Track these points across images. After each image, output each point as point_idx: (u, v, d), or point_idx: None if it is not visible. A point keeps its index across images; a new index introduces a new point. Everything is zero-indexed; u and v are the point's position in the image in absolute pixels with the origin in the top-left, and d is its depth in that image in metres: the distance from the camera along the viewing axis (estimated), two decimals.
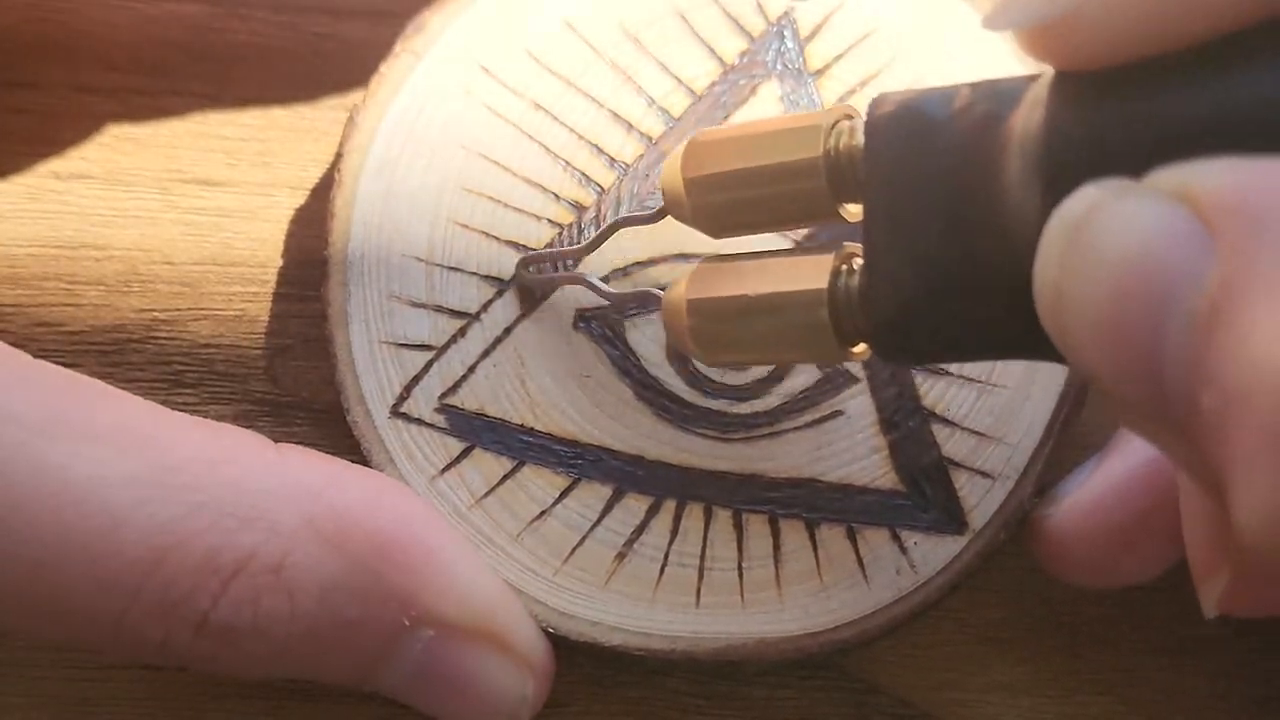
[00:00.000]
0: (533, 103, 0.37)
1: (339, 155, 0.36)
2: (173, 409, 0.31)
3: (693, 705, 0.36)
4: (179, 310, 0.37)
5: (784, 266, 0.29)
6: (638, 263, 0.36)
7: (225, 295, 0.37)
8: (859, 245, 0.28)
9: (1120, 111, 0.22)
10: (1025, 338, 0.24)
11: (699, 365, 0.35)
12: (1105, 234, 0.21)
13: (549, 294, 0.35)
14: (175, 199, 0.38)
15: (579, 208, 0.36)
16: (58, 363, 0.31)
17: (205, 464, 0.29)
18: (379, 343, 0.35)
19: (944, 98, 0.26)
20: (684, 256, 0.36)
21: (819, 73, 0.37)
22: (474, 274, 0.35)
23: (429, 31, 0.36)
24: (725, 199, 0.30)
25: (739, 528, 0.34)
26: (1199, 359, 0.19)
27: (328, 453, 0.32)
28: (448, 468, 0.34)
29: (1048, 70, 0.24)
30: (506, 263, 0.36)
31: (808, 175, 0.28)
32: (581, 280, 0.34)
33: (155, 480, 0.29)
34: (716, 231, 0.31)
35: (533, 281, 0.35)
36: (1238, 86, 0.21)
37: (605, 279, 0.35)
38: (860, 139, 0.28)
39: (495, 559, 0.34)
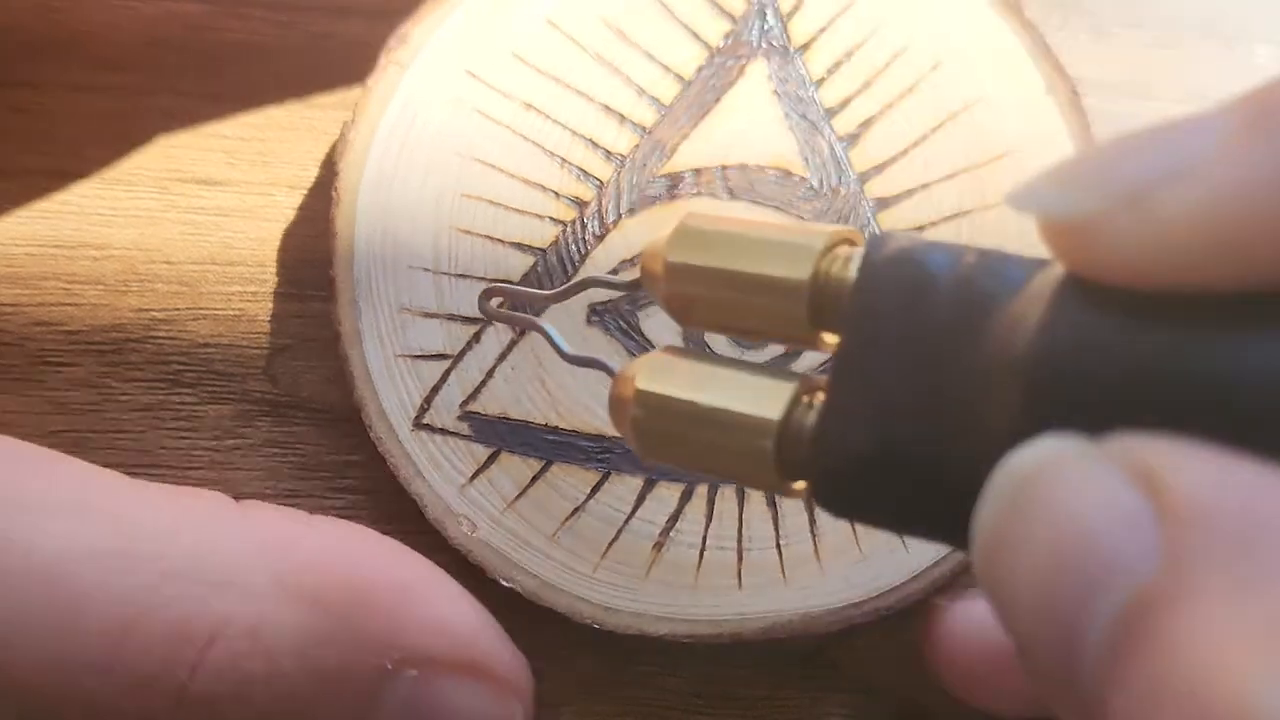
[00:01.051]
0: (523, 103, 0.37)
1: (335, 173, 0.36)
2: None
3: (694, 705, 0.36)
4: (178, 309, 0.37)
5: (744, 382, 0.27)
6: None
7: (224, 295, 0.37)
8: (822, 378, 0.27)
9: (1120, 346, 0.21)
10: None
11: (712, 345, 0.35)
12: (1054, 499, 0.20)
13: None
14: (174, 198, 0.38)
15: (580, 203, 0.36)
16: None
17: (170, 531, 0.29)
18: (395, 357, 0.35)
19: (947, 259, 0.25)
20: None
21: (804, 47, 0.38)
22: (482, 279, 0.36)
23: (412, 42, 0.37)
24: (701, 294, 0.28)
25: (774, 506, 0.35)
26: (1118, 657, 0.18)
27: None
28: (476, 474, 0.34)
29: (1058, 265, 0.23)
30: (513, 265, 0.36)
31: (790, 295, 0.26)
32: (539, 329, 0.32)
33: (120, 550, 0.28)
34: (684, 320, 0.29)
35: (494, 315, 0.34)
36: (1260, 358, 0.20)
37: (614, 270, 0.36)
38: (853, 272, 0.26)
39: (534, 560, 0.34)
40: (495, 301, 0.33)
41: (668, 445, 0.28)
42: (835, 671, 0.36)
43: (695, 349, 0.32)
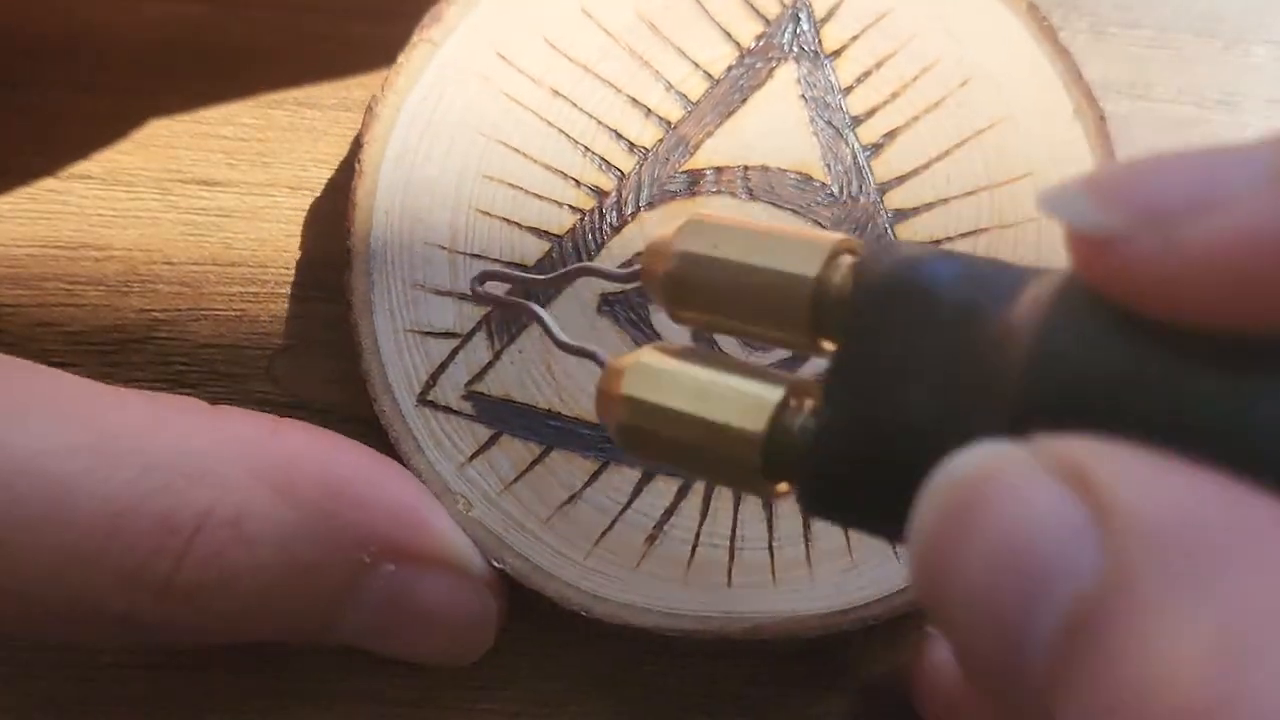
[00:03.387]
0: (551, 89, 0.38)
1: (359, 145, 0.36)
2: None
3: (693, 704, 0.36)
4: (179, 310, 0.37)
5: (732, 387, 0.27)
6: None
7: (225, 295, 0.38)
8: (814, 383, 0.27)
9: (1113, 367, 0.21)
10: None
11: (723, 347, 0.36)
12: (991, 508, 0.20)
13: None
14: (175, 199, 0.38)
15: (599, 193, 0.37)
16: (57, 363, 0.31)
17: (147, 428, 0.29)
18: (404, 331, 0.36)
19: (949, 271, 0.25)
20: None
21: (835, 54, 0.38)
22: (497, 260, 0.36)
23: (446, 20, 0.37)
24: (706, 283, 0.28)
25: (769, 507, 0.35)
26: (1064, 666, 0.18)
27: None
28: (476, 454, 0.35)
29: (1058, 269, 0.23)
30: (530, 249, 0.37)
31: (792, 296, 0.27)
32: (533, 313, 0.33)
33: (100, 448, 0.29)
34: (678, 312, 0.29)
35: (485, 298, 0.35)
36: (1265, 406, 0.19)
37: (628, 264, 0.36)
38: (853, 279, 0.26)
39: (526, 543, 0.34)
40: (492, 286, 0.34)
41: (651, 447, 0.28)
42: (836, 671, 0.36)
43: (690, 347, 0.32)
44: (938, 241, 0.37)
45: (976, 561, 0.20)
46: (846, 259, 0.27)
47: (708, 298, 0.28)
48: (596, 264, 0.34)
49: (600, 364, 0.30)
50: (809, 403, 0.27)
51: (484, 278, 0.34)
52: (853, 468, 0.25)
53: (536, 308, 0.33)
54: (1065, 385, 0.21)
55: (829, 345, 0.27)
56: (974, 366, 0.23)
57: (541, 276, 0.35)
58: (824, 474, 0.26)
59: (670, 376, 0.28)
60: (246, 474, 0.30)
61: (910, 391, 0.24)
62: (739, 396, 0.27)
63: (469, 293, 0.35)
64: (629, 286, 0.36)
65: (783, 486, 0.28)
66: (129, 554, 0.28)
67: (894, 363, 0.25)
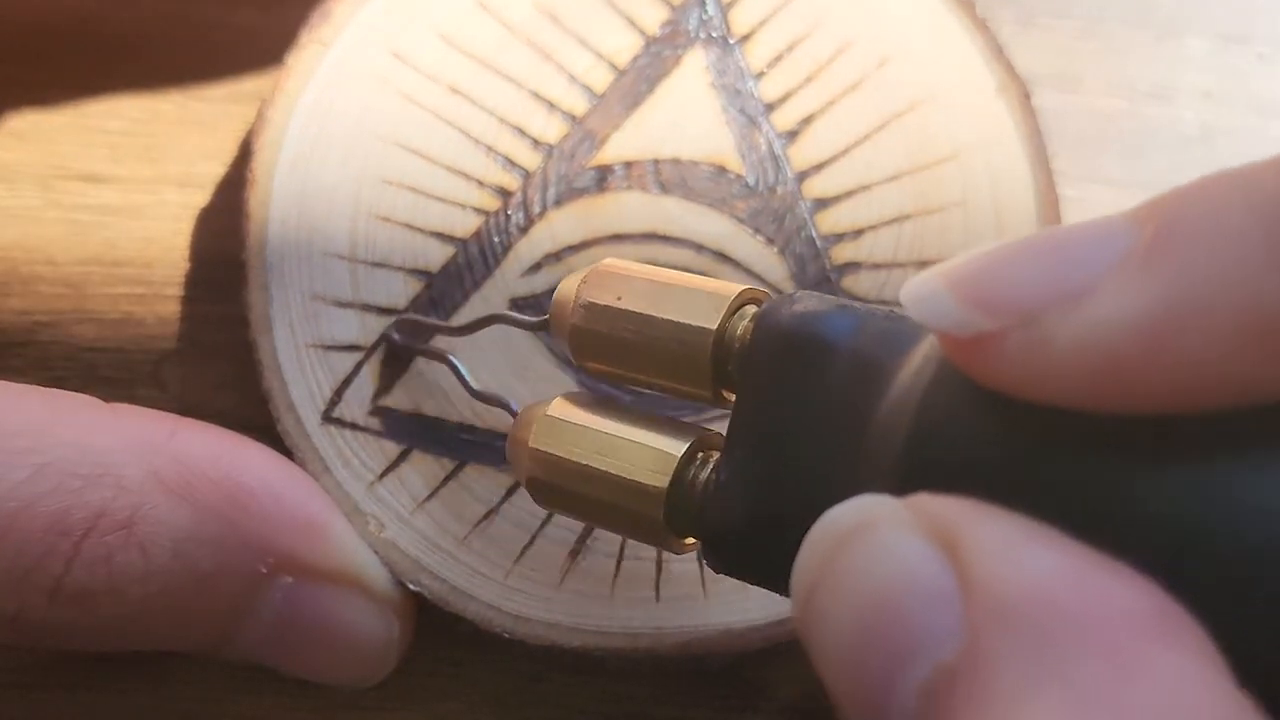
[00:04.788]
0: (449, 87, 0.37)
1: (250, 152, 0.35)
2: None
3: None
4: (61, 312, 0.36)
5: (639, 440, 0.28)
6: (570, 247, 0.36)
7: (110, 296, 0.37)
8: (719, 435, 0.28)
9: (994, 434, 0.21)
10: None
11: None
12: (864, 564, 0.20)
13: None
14: (57, 196, 0.37)
15: (504, 193, 0.36)
16: None
17: (41, 426, 0.29)
18: (305, 346, 0.35)
19: (848, 325, 0.25)
20: (618, 238, 0.36)
21: (745, 39, 0.38)
22: (399, 269, 0.35)
23: (336, 19, 0.36)
24: (610, 335, 0.29)
25: None
26: None
27: None
28: (386, 472, 0.34)
29: None
30: (433, 255, 0.36)
31: (694, 348, 0.28)
32: (447, 362, 0.34)
33: None
34: (586, 363, 0.30)
35: (399, 347, 0.35)
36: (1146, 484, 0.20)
37: (537, 265, 0.36)
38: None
39: (443, 564, 0.33)
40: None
41: (559, 500, 0.30)
42: (751, 691, 0.35)
43: (605, 396, 0.32)
44: (860, 231, 0.36)
45: (847, 618, 0.20)
46: (750, 309, 0.28)
47: (613, 350, 0.29)
48: (511, 313, 0.34)
49: (512, 414, 0.32)
50: (714, 456, 0.28)
51: (401, 327, 0.35)
52: (748, 523, 0.26)
53: (451, 357, 0.34)
54: (944, 454, 0.22)
55: (733, 398, 0.28)
56: (863, 425, 0.24)
57: (458, 325, 0.34)
58: (720, 530, 0.27)
59: (577, 430, 0.29)
60: (143, 474, 0.30)
61: (803, 447, 0.25)
62: (643, 451, 0.28)
63: (385, 340, 0.35)
64: (539, 292, 0.35)
65: (689, 541, 0.29)
66: (20, 555, 0.28)
67: (789, 418, 0.26)
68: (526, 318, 0.33)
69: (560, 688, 0.35)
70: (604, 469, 0.28)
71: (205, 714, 0.35)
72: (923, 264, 0.36)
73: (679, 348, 0.28)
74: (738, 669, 0.35)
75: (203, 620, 0.31)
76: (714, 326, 0.27)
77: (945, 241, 0.36)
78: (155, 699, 0.34)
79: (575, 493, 0.29)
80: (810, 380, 0.25)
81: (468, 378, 0.34)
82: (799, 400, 0.25)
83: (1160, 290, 0.19)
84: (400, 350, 0.35)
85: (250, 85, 0.38)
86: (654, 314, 0.28)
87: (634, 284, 0.29)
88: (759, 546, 0.26)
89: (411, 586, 0.33)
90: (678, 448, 0.28)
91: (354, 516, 0.33)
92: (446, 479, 0.34)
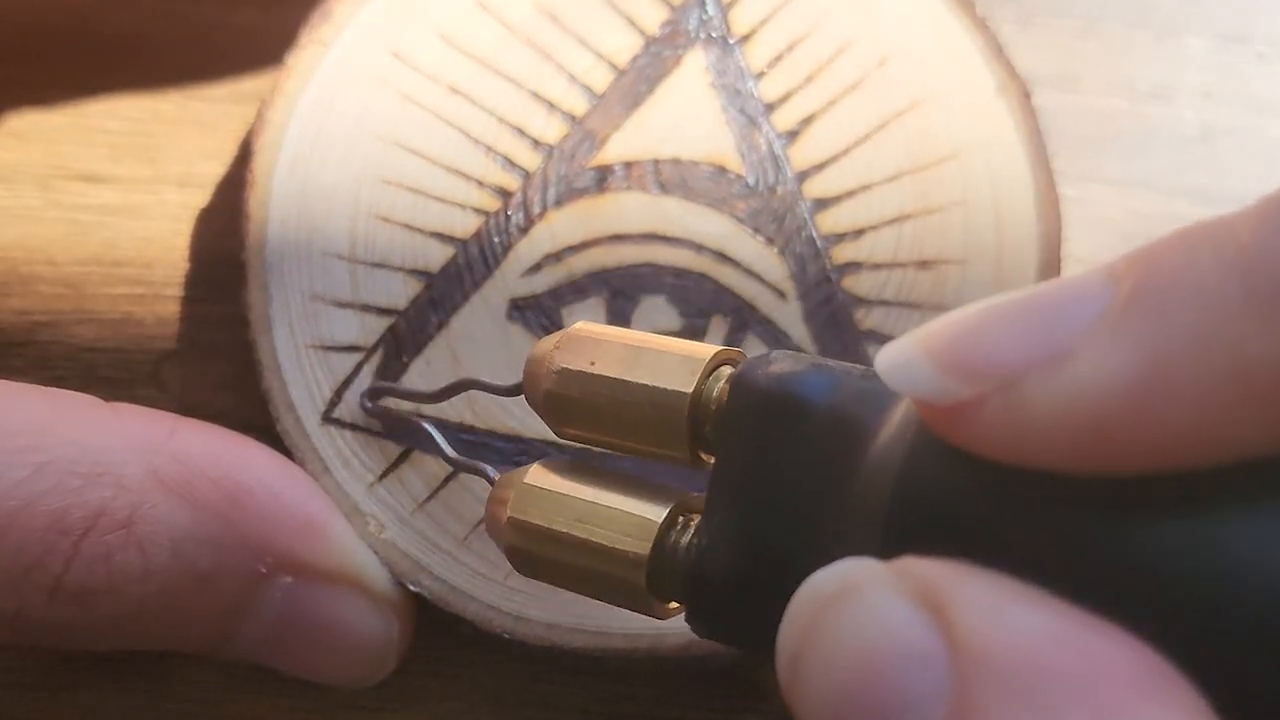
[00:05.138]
0: (449, 87, 0.37)
1: (250, 153, 0.35)
2: None
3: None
4: (61, 312, 0.36)
5: (614, 511, 0.28)
6: (570, 247, 0.36)
7: (109, 297, 0.37)
8: (699, 498, 0.28)
9: (978, 495, 0.21)
10: None
11: None
12: (849, 628, 0.20)
13: (394, 425, 0.35)
14: (57, 196, 0.37)
15: (504, 193, 0.36)
16: None
17: (42, 425, 0.29)
18: (305, 347, 0.35)
19: (825, 385, 0.25)
20: (618, 238, 0.36)
21: (745, 39, 0.38)
22: (399, 269, 0.35)
23: (336, 19, 0.36)
24: (584, 401, 0.29)
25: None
26: None
27: None
28: (386, 473, 0.34)
29: None
30: (433, 255, 0.36)
31: (670, 410, 0.27)
32: (422, 428, 0.34)
33: None
34: (561, 428, 0.30)
35: (375, 414, 0.35)
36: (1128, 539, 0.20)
37: (537, 265, 0.36)
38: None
39: (443, 564, 0.33)
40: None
41: (541, 568, 0.29)
42: (751, 691, 0.35)
43: (582, 461, 0.32)
44: (861, 231, 0.36)
45: (834, 682, 0.20)
46: (726, 370, 0.27)
47: (588, 415, 0.29)
48: (483, 379, 0.33)
49: (490, 481, 0.32)
50: (695, 520, 0.27)
51: (373, 394, 0.34)
52: (731, 587, 0.26)
53: (428, 425, 0.34)
54: (927, 515, 0.22)
55: (711, 460, 0.27)
56: (844, 487, 0.24)
57: (432, 392, 0.34)
58: (704, 594, 0.27)
59: (555, 497, 0.29)
60: (143, 473, 0.30)
61: (784, 509, 0.25)
62: (623, 517, 0.28)
63: (360, 408, 0.35)
64: (542, 291, 0.35)
65: (673, 605, 0.28)
66: (20, 554, 0.29)
67: (769, 479, 0.25)
68: (499, 385, 0.32)
69: (560, 688, 0.35)
70: (584, 536, 0.28)
71: (205, 714, 0.35)
72: (923, 263, 0.36)
73: (655, 411, 0.28)
74: (738, 669, 0.35)
75: (202, 620, 0.31)
76: (690, 390, 0.27)
77: (945, 241, 0.36)
78: (155, 699, 0.34)
79: (556, 560, 0.29)
80: (789, 441, 0.25)
81: (444, 446, 0.34)
82: (778, 461, 0.25)
83: (1138, 349, 0.19)
84: (378, 418, 0.35)
85: (250, 85, 0.38)
86: (628, 378, 0.28)
87: (607, 348, 0.29)
88: (743, 609, 0.26)
89: (411, 587, 0.33)
90: (658, 513, 0.28)
91: (354, 517, 0.33)
92: (446, 479, 0.34)
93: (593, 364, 0.28)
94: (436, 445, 0.34)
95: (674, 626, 0.33)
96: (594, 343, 0.29)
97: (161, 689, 0.34)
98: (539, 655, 0.33)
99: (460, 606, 0.33)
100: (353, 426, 0.34)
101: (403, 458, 0.34)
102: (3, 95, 0.38)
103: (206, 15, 0.39)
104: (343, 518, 0.33)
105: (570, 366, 0.29)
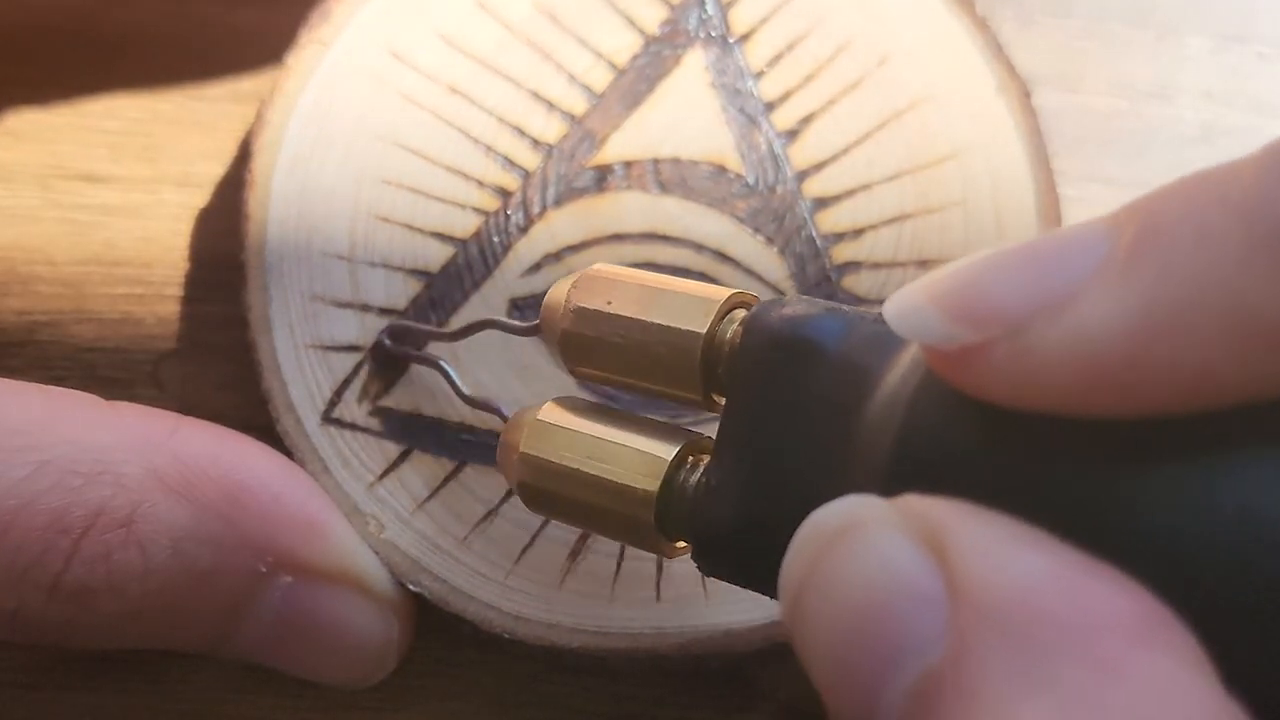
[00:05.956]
0: (448, 86, 0.37)
1: (250, 153, 0.35)
2: None
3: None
4: (60, 312, 0.36)
5: (630, 443, 0.29)
6: (570, 247, 0.36)
7: (109, 296, 0.37)
8: (709, 439, 0.28)
9: (983, 434, 0.21)
10: None
11: None
12: (851, 565, 0.20)
13: (405, 367, 0.35)
14: (56, 195, 0.37)
15: (504, 193, 0.36)
16: None
17: (41, 424, 0.29)
18: (305, 347, 0.35)
19: (837, 328, 0.25)
20: (618, 238, 0.36)
21: (744, 38, 0.38)
22: (399, 269, 0.35)
23: (335, 19, 0.37)
24: (600, 339, 0.29)
25: None
26: None
27: None
28: (386, 473, 0.34)
29: None
30: (433, 255, 0.36)
31: (684, 351, 0.28)
32: (438, 367, 0.34)
33: None
34: (577, 368, 0.30)
35: (391, 352, 0.35)
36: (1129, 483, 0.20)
37: (537, 265, 0.36)
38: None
39: (443, 564, 0.34)
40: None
41: (550, 504, 0.30)
42: (751, 691, 0.35)
43: (596, 401, 0.32)
44: (860, 230, 0.36)
45: (835, 619, 0.20)
46: (740, 313, 0.28)
47: (603, 354, 0.29)
48: (502, 318, 0.34)
49: (503, 418, 0.32)
50: (705, 460, 0.28)
51: (392, 333, 0.35)
52: (738, 526, 0.26)
53: (443, 363, 0.34)
54: (931, 455, 0.22)
55: (723, 401, 0.28)
56: (852, 429, 0.24)
57: (450, 331, 0.34)
58: (711, 533, 0.27)
59: (568, 434, 0.29)
60: (143, 472, 0.30)
61: (793, 450, 0.25)
62: (634, 455, 0.28)
63: (375, 348, 0.35)
64: (539, 291, 0.35)
65: (680, 544, 0.29)
66: (19, 552, 0.29)
67: (778, 420, 0.26)
68: (518, 323, 0.33)
69: (560, 688, 0.35)
70: (594, 473, 0.28)
71: (205, 714, 0.35)
72: (923, 263, 0.36)
73: (669, 352, 0.28)
74: (738, 669, 0.35)
75: (202, 619, 0.31)
76: (703, 330, 0.27)
77: (945, 241, 0.36)
78: (155, 699, 0.34)
79: (566, 497, 0.29)
80: (799, 383, 0.25)
81: (459, 383, 0.34)
82: (788, 403, 0.26)
83: (1142, 293, 0.19)
84: (391, 355, 0.35)
85: (250, 85, 0.38)
86: (644, 318, 0.28)
87: (624, 288, 0.29)
88: (749, 549, 0.26)
89: (411, 587, 0.33)
90: (668, 451, 0.28)
91: (354, 517, 0.33)
92: (446, 479, 0.34)
93: (609, 303, 0.29)
94: (452, 383, 0.34)
95: (671, 623, 0.33)
96: (610, 283, 0.29)
97: (161, 689, 0.34)
98: (539, 655, 0.33)
99: (460, 606, 0.33)
100: (352, 427, 0.34)
101: (403, 458, 0.34)
102: (2, 95, 0.38)
103: (206, 15, 0.39)
104: (343, 518, 0.33)
105: (587, 305, 0.29)
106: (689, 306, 0.28)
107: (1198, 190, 0.20)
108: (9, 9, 0.38)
